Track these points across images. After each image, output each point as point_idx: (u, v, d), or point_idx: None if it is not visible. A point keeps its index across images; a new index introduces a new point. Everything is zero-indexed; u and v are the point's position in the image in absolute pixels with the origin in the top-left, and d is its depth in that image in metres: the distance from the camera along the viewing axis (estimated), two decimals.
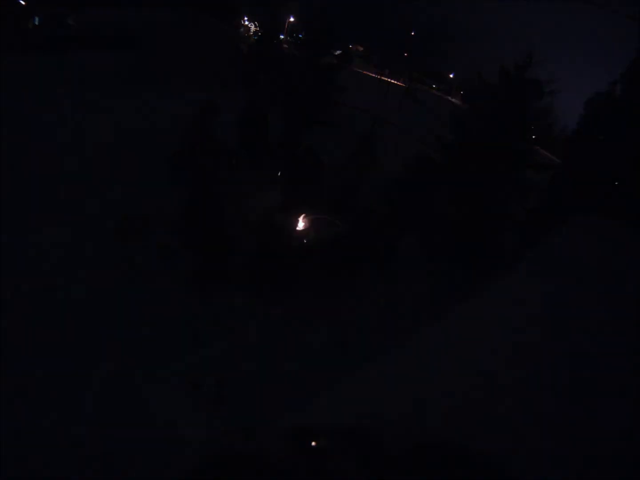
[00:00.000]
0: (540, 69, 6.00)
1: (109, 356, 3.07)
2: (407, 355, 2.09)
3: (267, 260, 3.98)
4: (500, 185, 6.16)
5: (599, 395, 1.77)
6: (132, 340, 3.27)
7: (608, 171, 5.23)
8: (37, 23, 12.89)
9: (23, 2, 12.96)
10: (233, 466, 0.41)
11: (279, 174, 6.52)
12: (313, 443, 0.44)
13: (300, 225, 5.50)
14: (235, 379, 3.15)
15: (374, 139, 5.88)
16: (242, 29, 23.21)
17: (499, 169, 6.13)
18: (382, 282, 5.09)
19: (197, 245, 4.18)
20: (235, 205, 5.53)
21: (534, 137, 7.00)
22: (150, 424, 2.66)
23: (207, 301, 3.90)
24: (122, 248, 4.17)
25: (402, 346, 2.16)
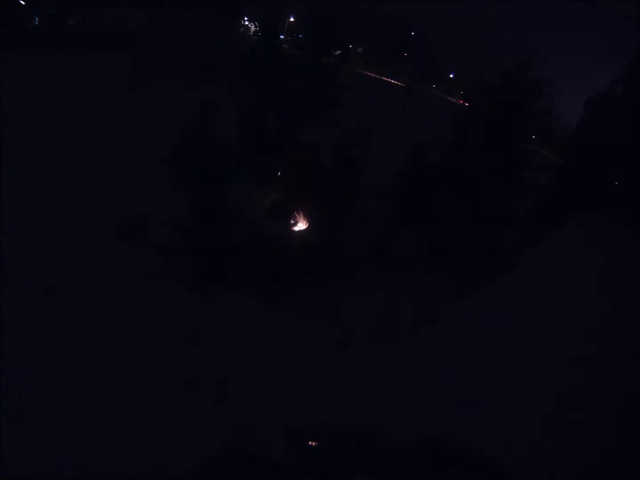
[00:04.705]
0: (540, 69, 6.01)
1: (108, 356, 3.07)
2: (407, 355, 2.09)
3: (266, 260, 3.98)
4: (500, 185, 6.16)
5: (597, 393, 1.77)
6: (131, 340, 3.27)
7: (608, 171, 5.23)
8: (37, 23, 12.88)
9: (23, 2, 12.95)
10: (233, 466, 0.41)
11: (279, 173, 6.50)
12: (313, 443, 0.44)
13: (300, 224, 5.50)
14: (235, 379, 3.15)
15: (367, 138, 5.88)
16: (242, 29, 23.19)
17: (499, 169, 6.13)
18: (383, 282, 5.09)
19: (197, 245, 4.19)
20: (235, 204, 5.53)
21: (534, 137, 7.01)
22: (148, 424, 2.66)
23: (207, 301, 3.90)
24: (121, 248, 4.17)
25: (402, 346, 2.16)
